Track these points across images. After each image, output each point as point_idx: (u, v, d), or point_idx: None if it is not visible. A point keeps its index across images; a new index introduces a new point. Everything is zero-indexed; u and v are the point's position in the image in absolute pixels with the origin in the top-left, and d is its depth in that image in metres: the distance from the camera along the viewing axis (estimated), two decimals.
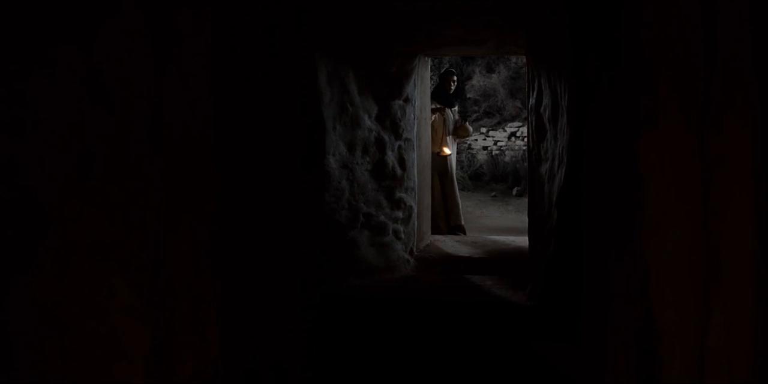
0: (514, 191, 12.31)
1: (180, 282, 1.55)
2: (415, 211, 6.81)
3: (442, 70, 8.59)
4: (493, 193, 11.83)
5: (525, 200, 7.82)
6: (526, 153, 7.43)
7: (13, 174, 1.54)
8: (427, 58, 7.39)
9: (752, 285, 1.41)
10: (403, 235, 6.62)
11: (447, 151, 7.84)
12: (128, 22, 1.52)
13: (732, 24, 1.40)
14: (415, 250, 6.80)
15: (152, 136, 1.53)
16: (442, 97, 8.15)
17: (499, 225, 7.83)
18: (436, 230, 7.98)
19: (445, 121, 7.90)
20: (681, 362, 1.45)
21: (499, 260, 6.44)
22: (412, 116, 6.75)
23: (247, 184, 1.75)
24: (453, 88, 8.17)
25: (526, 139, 7.44)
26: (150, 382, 1.54)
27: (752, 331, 1.42)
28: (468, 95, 11.32)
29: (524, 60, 7.35)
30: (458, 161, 10.92)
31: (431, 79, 8.50)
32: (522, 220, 7.25)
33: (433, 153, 7.78)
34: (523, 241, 6.87)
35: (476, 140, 13.60)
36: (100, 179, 1.54)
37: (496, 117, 13.19)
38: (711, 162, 1.43)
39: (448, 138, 7.92)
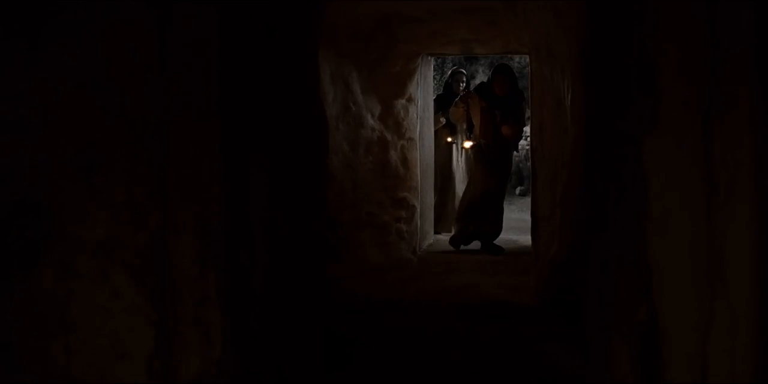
0: (518, 191, 12.29)
1: (184, 282, 1.55)
2: (418, 210, 6.80)
3: (493, 67, 7.10)
4: None
5: (528, 200, 7.77)
6: (530, 152, 7.40)
7: (18, 174, 1.54)
8: (430, 58, 7.38)
9: (756, 285, 1.41)
10: (405, 235, 6.61)
11: (466, 144, 7.10)
12: (132, 21, 1.53)
13: (735, 25, 1.40)
14: (418, 249, 6.79)
15: (156, 136, 1.53)
16: (489, 97, 6.87)
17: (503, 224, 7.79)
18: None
19: (479, 114, 6.77)
20: (685, 362, 1.45)
21: (502, 260, 6.43)
22: (415, 115, 6.75)
23: (250, 183, 1.75)
24: (505, 90, 6.76)
25: (529, 139, 7.39)
26: (153, 382, 1.54)
27: (756, 331, 1.42)
28: None
29: (528, 59, 7.31)
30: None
31: (434, 78, 8.47)
32: (525, 219, 7.24)
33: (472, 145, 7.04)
34: (526, 240, 6.86)
35: None
36: (104, 179, 1.54)
37: None
38: (715, 162, 1.43)
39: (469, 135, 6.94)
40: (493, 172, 6.90)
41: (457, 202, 7.45)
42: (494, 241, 6.91)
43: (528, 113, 7.62)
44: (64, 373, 1.55)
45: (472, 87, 7.82)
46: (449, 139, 7.60)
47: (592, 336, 1.80)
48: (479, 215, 6.84)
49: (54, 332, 1.55)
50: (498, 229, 6.94)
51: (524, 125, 7.02)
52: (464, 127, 7.22)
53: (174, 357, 1.55)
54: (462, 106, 6.93)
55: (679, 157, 1.45)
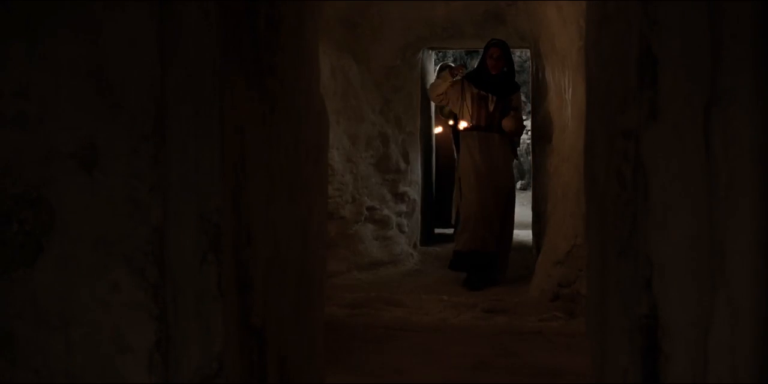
0: (519, 184, 12.31)
1: (184, 276, 1.55)
2: (419, 204, 6.81)
3: (486, 43, 5.71)
4: None
5: (529, 194, 7.77)
6: (530, 146, 7.39)
7: (18, 168, 1.54)
8: (431, 52, 7.38)
9: (756, 279, 1.41)
10: (406, 229, 6.63)
11: (461, 125, 5.72)
12: (133, 16, 1.52)
13: (736, 18, 1.40)
14: (418, 243, 6.80)
15: (157, 130, 1.53)
16: (480, 79, 5.58)
17: None
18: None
19: (468, 99, 5.53)
20: (685, 357, 1.45)
21: (503, 254, 6.43)
22: (417, 110, 6.75)
23: (251, 178, 1.75)
24: (499, 67, 5.51)
25: (530, 133, 7.36)
26: (154, 375, 1.54)
27: (756, 325, 1.42)
28: None
29: (528, 53, 7.29)
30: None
31: (434, 72, 8.45)
32: (526, 214, 7.25)
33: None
34: (527, 234, 6.87)
35: None
36: (105, 173, 1.54)
37: None
38: (716, 156, 1.42)
39: (462, 122, 5.66)
40: (496, 179, 5.47)
41: None
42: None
43: (528, 107, 7.56)
44: (64, 367, 1.55)
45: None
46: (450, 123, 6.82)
47: (593, 329, 1.81)
48: (483, 240, 5.46)
49: (54, 326, 1.55)
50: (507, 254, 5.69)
51: (523, 119, 6.02)
52: (446, 107, 6.14)
53: (175, 351, 1.56)
54: (449, 79, 5.57)
55: (679, 151, 1.45)
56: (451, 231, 7.40)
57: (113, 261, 1.54)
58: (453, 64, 6.22)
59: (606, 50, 1.72)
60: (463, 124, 5.62)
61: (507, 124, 5.46)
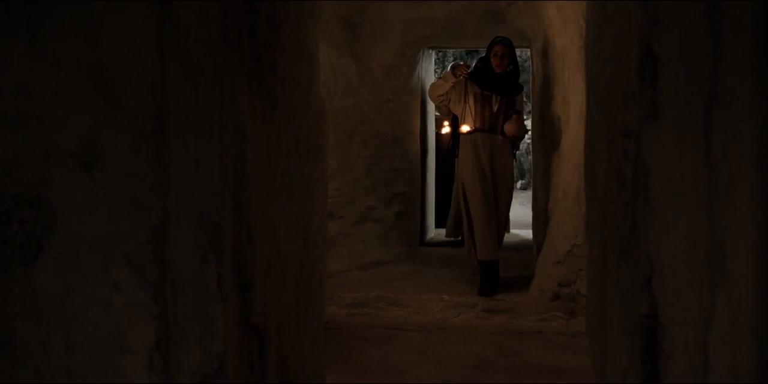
0: (519, 184, 12.31)
1: (185, 276, 1.55)
2: (419, 204, 6.81)
3: (490, 41, 5.43)
4: None
5: (529, 193, 7.75)
6: (531, 145, 7.38)
7: (19, 168, 1.54)
8: (431, 51, 7.38)
9: (756, 278, 1.41)
10: (406, 229, 6.62)
11: (463, 128, 5.39)
12: (132, 14, 1.52)
13: (736, 18, 1.40)
14: (418, 243, 6.80)
15: (157, 130, 1.53)
16: (483, 78, 5.31)
17: None
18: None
19: (471, 99, 5.26)
20: (686, 356, 1.45)
21: (504, 255, 6.44)
22: (417, 109, 6.75)
23: (251, 178, 1.75)
24: (504, 65, 5.25)
25: (530, 132, 7.35)
26: (154, 375, 1.54)
27: (756, 324, 1.42)
28: None
29: (529, 53, 7.28)
30: None
31: (435, 72, 8.44)
32: (526, 213, 7.24)
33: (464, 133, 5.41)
34: (527, 234, 6.86)
35: None
36: (105, 173, 1.54)
37: None
38: (716, 156, 1.42)
39: (465, 125, 5.34)
40: (498, 182, 5.31)
41: None
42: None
43: (528, 106, 7.55)
44: (64, 366, 1.55)
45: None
46: (446, 124, 6.85)
47: (593, 329, 1.81)
48: (494, 247, 5.35)
49: (54, 326, 1.55)
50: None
51: (524, 120, 5.85)
52: (445, 109, 5.88)
53: (175, 351, 1.56)
54: (452, 79, 5.38)
55: (680, 150, 1.45)
56: None
57: (113, 261, 1.54)
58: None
59: (606, 50, 1.72)
60: (465, 128, 5.36)
61: (510, 128, 5.26)
